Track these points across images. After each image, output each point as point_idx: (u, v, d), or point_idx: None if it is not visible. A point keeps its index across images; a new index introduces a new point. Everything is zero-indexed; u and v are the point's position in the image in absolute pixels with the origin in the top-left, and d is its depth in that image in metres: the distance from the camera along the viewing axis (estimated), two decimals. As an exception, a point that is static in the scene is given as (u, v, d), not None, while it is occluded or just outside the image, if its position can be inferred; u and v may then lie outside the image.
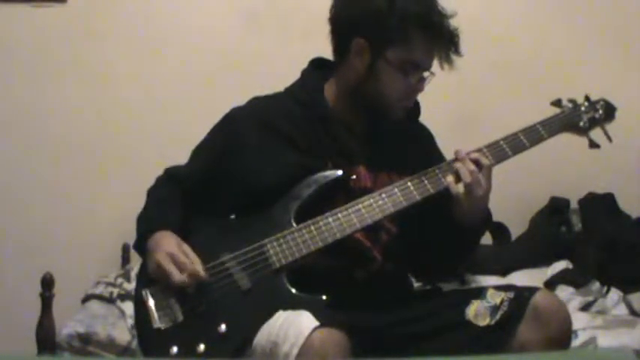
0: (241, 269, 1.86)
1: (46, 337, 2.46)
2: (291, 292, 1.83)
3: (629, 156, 3.18)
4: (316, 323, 1.68)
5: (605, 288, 2.75)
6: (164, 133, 3.25)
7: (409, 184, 1.91)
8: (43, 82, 3.29)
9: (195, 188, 2.02)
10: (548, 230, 3.16)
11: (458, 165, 1.89)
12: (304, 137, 1.98)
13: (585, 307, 2.65)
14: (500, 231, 3.14)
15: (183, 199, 2.02)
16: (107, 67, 3.31)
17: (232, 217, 2.01)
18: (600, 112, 2.08)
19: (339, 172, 1.93)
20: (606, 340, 2.34)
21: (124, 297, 2.70)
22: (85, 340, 2.49)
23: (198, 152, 2.08)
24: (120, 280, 2.86)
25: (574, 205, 3.23)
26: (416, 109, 2.07)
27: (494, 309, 1.85)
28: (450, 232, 1.94)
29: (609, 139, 2.08)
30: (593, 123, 2.08)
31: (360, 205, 1.89)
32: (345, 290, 1.85)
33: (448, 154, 2.05)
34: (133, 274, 2.89)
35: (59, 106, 3.30)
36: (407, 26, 1.90)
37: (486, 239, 3.10)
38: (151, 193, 2.08)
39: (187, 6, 3.36)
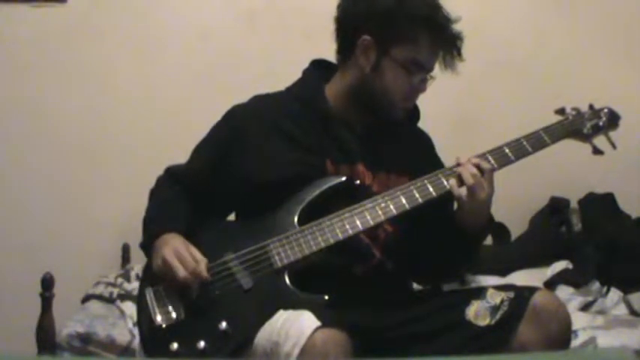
0: (243, 268, 1.87)
1: (46, 337, 2.45)
2: (292, 291, 1.84)
3: (629, 156, 3.18)
4: (318, 323, 1.68)
5: (605, 288, 2.75)
6: (164, 133, 3.25)
7: (412, 187, 1.91)
8: (43, 82, 3.29)
9: (197, 186, 2.03)
10: (548, 230, 3.16)
11: (460, 169, 1.90)
12: (304, 135, 1.99)
13: (585, 307, 2.65)
14: (500, 231, 3.14)
15: (187, 198, 2.03)
16: (107, 67, 3.31)
17: (236, 218, 2.02)
18: (604, 119, 2.09)
19: (343, 178, 1.95)
20: (606, 340, 2.34)
21: (124, 297, 2.70)
22: (85, 340, 2.49)
23: (200, 150, 2.09)
24: (120, 280, 2.86)
25: (574, 205, 3.24)
26: (416, 113, 2.10)
27: (495, 309, 1.85)
28: (452, 236, 1.94)
29: (613, 146, 2.09)
30: (597, 130, 2.08)
31: (364, 208, 1.90)
32: (345, 288, 1.86)
33: (448, 155, 2.05)
34: (133, 274, 2.90)
35: (59, 106, 3.30)
36: (414, 26, 1.94)
37: (486, 239, 3.10)
38: (155, 193, 2.09)
39: (187, 6, 3.37)
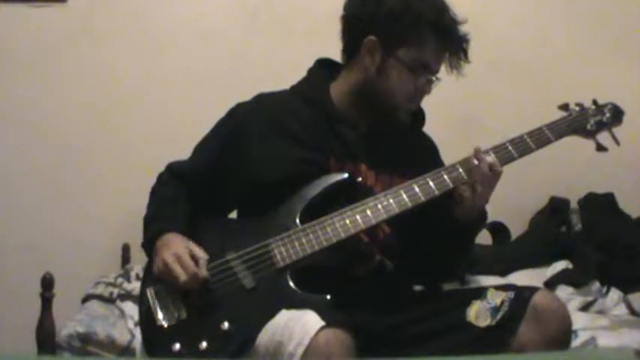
0: (245, 268, 1.86)
1: (46, 337, 2.45)
2: (294, 291, 1.83)
3: (629, 156, 3.18)
4: (322, 323, 1.68)
5: (605, 288, 2.75)
6: (164, 133, 3.25)
7: (414, 185, 1.91)
8: (43, 82, 3.29)
9: (199, 183, 2.03)
10: (548, 230, 3.16)
11: (474, 164, 1.89)
12: (308, 133, 1.99)
13: (585, 307, 2.65)
14: (500, 231, 3.14)
15: (188, 195, 2.02)
16: (107, 67, 3.31)
17: (238, 216, 2.01)
18: (608, 115, 2.08)
19: (345, 175, 1.95)
20: (606, 340, 2.34)
21: (124, 297, 2.70)
22: (85, 340, 2.49)
23: (202, 147, 2.09)
24: (120, 280, 2.86)
25: (574, 205, 3.23)
26: (421, 117, 2.10)
27: (495, 310, 1.85)
28: (448, 230, 1.95)
29: (617, 142, 2.08)
30: (601, 126, 2.07)
31: (365, 207, 1.89)
32: (347, 288, 1.86)
33: (448, 154, 2.05)
34: (133, 274, 2.89)
35: (59, 106, 3.30)
36: (421, 28, 1.94)
37: (486, 239, 3.10)
38: (156, 190, 2.08)
39: (187, 6, 3.36)
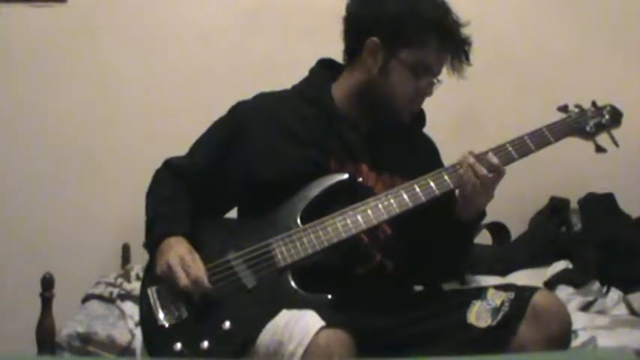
0: (246, 267, 1.87)
1: (46, 337, 2.45)
2: (295, 290, 1.84)
3: (629, 156, 3.18)
4: (322, 323, 1.69)
5: (605, 288, 2.75)
6: (164, 133, 3.24)
7: (415, 185, 1.92)
8: (43, 82, 3.29)
9: (197, 179, 2.02)
10: (548, 230, 3.16)
11: (474, 164, 1.89)
12: (308, 133, 1.99)
13: (585, 307, 2.65)
14: (500, 231, 3.14)
15: (188, 194, 2.02)
16: (107, 67, 3.31)
17: (238, 216, 2.02)
18: (607, 117, 2.09)
19: (346, 176, 1.95)
20: (606, 340, 2.34)
21: (124, 297, 2.70)
22: (85, 340, 2.49)
23: (201, 144, 2.08)
24: (120, 280, 2.86)
25: (574, 205, 3.23)
26: (422, 118, 2.10)
27: (496, 310, 1.85)
28: (448, 229, 1.96)
29: (616, 144, 2.09)
30: (600, 128, 2.08)
31: (366, 207, 1.90)
32: (347, 288, 1.86)
33: (448, 154, 2.05)
34: (133, 274, 2.89)
35: (59, 106, 3.29)
36: (423, 30, 1.95)
37: (486, 239, 3.10)
38: (156, 189, 2.07)
39: (187, 6, 3.36)
